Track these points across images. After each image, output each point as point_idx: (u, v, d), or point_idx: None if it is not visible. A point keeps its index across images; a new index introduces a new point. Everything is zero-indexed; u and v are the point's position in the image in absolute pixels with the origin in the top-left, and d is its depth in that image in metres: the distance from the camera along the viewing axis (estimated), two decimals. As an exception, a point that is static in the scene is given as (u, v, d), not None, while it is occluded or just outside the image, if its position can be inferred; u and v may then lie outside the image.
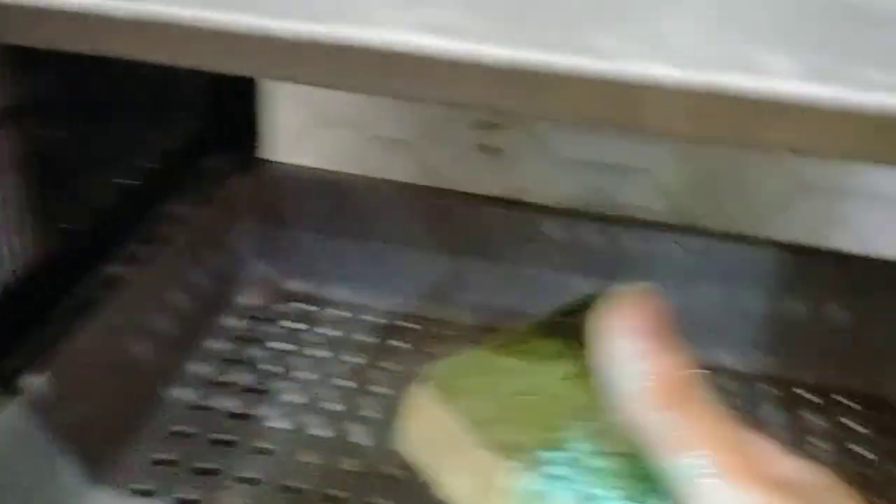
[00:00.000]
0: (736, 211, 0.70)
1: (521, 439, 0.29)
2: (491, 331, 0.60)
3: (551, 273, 0.60)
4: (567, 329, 0.32)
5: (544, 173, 0.72)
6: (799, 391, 0.57)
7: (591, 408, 0.29)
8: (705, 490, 0.25)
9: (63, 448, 0.46)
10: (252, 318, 0.61)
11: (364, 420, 0.54)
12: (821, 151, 0.21)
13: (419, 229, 0.62)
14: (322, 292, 0.63)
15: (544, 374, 0.32)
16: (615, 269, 0.59)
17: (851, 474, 0.51)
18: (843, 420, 0.56)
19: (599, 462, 0.28)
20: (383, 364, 0.58)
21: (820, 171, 0.69)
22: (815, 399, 0.57)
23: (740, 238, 0.61)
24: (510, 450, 0.29)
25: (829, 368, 0.58)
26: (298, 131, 0.67)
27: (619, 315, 0.28)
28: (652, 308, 0.28)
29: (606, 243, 0.60)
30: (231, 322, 0.61)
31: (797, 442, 0.54)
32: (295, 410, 0.54)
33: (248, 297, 0.63)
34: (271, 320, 0.61)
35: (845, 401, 0.57)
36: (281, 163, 0.63)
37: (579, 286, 0.57)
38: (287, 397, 0.55)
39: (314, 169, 0.63)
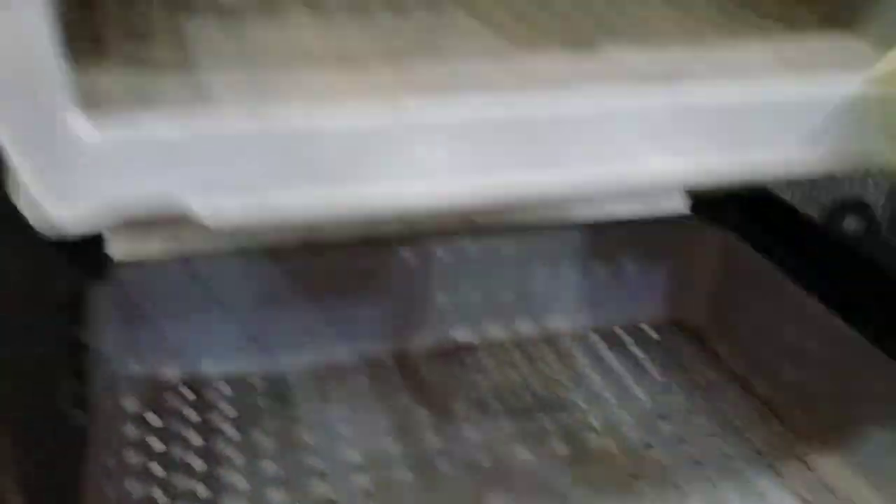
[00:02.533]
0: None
1: None
2: (380, 366, 0.66)
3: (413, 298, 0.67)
4: None
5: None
6: (618, 332, 0.71)
7: None
8: None
9: None
10: (148, 420, 0.60)
11: (319, 474, 0.57)
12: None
13: (268, 288, 0.65)
14: (202, 373, 0.64)
15: None
16: (460, 279, 0.68)
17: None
18: (660, 345, 0.71)
19: None
20: (298, 425, 0.61)
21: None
22: (633, 335, 0.72)
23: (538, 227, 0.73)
24: None
25: (634, 309, 0.72)
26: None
27: None
28: None
29: (451, 258, 0.68)
30: (132, 431, 0.59)
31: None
32: (249, 492, 0.56)
33: (136, 399, 0.61)
34: (170, 415, 0.61)
35: (650, 330, 0.73)
36: (127, 261, 0.61)
37: (444, 301, 0.65)
38: (234, 481, 0.56)
39: (155, 260, 0.63)
